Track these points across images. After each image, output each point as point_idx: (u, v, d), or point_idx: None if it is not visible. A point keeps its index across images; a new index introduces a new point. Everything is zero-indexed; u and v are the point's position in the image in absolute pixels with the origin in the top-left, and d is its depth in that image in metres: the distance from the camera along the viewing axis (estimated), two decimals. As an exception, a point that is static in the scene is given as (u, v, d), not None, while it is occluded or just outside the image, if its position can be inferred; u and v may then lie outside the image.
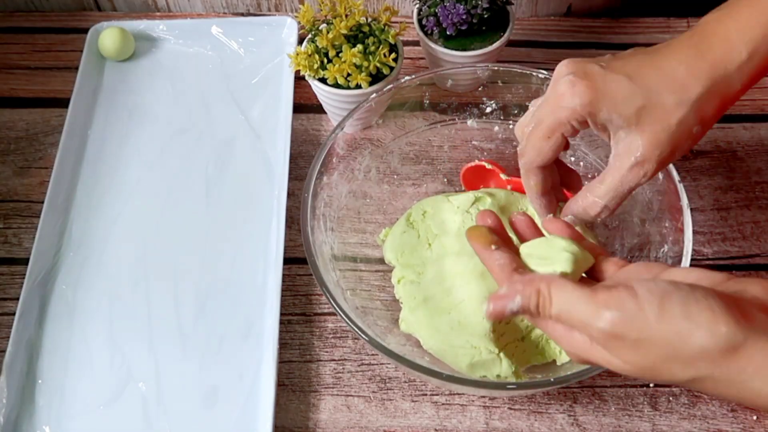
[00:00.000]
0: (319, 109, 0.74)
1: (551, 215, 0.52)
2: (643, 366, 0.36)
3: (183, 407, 0.58)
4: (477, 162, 0.64)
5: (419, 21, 0.71)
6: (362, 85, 0.65)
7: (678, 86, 0.44)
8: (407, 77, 0.62)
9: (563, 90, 0.45)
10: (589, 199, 0.48)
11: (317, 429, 0.58)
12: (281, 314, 0.61)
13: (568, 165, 0.55)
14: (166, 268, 0.65)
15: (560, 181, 0.54)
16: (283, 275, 0.63)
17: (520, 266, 0.43)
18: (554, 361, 0.56)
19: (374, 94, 0.61)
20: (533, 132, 0.48)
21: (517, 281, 0.40)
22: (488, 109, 0.64)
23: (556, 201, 0.53)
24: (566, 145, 0.49)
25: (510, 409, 0.58)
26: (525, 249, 0.44)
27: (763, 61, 0.44)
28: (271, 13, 0.85)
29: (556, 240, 0.44)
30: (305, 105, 0.75)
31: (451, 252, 0.59)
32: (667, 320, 0.35)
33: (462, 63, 0.69)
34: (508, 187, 0.63)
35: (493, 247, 0.44)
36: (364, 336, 0.49)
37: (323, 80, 0.67)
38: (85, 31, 0.79)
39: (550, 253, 0.43)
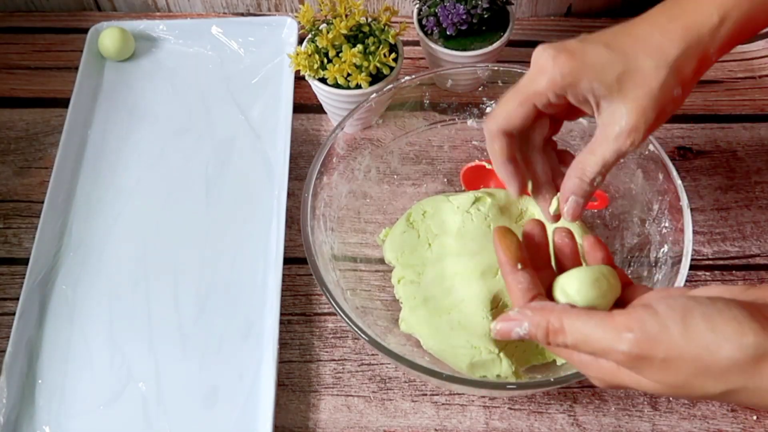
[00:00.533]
0: (319, 109, 0.74)
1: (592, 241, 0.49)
2: (675, 384, 0.36)
3: (183, 407, 0.58)
4: (477, 162, 0.64)
5: (419, 21, 0.71)
6: (362, 85, 0.65)
7: (654, 50, 0.44)
8: (407, 77, 0.62)
9: (544, 62, 0.45)
10: (583, 172, 0.47)
11: (317, 429, 0.58)
12: (281, 314, 0.61)
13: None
14: (166, 268, 0.65)
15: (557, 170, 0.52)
16: (283, 275, 0.63)
17: (540, 293, 0.43)
18: (554, 361, 0.56)
19: (374, 94, 0.61)
20: (507, 96, 0.47)
21: (528, 308, 0.40)
22: (488, 109, 0.64)
23: (522, 174, 0.50)
24: (554, 128, 0.49)
25: (510, 409, 0.58)
26: (562, 280, 0.44)
27: (735, 25, 0.44)
28: (271, 13, 0.85)
29: (591, 271, 0.43)
30: (305, 105, 0.75)
31: (451, 252, 0.59)
32: (693, 335, 0.34)
33: (462, 63, 0.69)
34: None
35: (518, 265, 0.44)
36: (364, 336, 0.49)
37: (323, 80, 0.67)
38: (85, 31, 0.79)
39: (582, 287, 0.42)
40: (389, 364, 0.61)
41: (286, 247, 0.64)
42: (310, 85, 0.69)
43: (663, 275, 0.54)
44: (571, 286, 0.43)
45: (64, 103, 0.74)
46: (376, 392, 0.60)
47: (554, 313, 0.39)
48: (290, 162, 0.69)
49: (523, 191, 0.49)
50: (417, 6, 0.72)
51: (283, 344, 0.62)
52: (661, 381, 0.36)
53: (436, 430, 0.58)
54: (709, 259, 0.66)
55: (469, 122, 0.66)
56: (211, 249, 0.66)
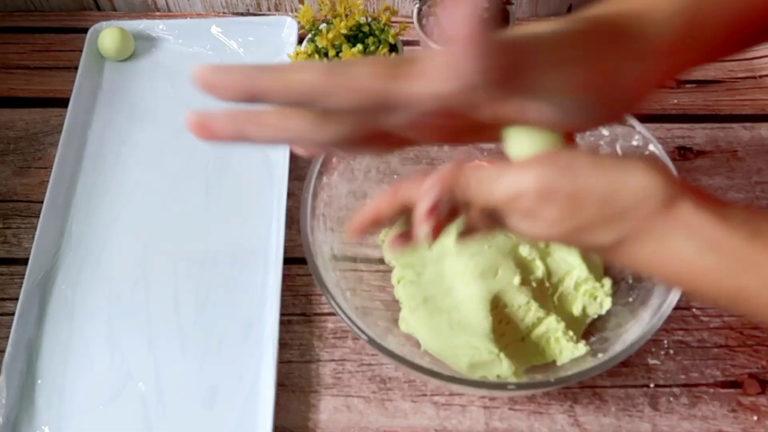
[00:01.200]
0: (319, 109, 0.74)
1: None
2: (570, 227, 0.35)
3: (183, 407, 0.58)
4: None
5: (419, 21, 0.71)
6: (362, 85, 0.65)
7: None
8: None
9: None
10: None
11: (317, 429, 0.58)
12: (281, 314, 0.61)
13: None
14: (166, 268, 0.65)
15: None
16: (283, 275, 0.63)
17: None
18: (554, 361, 0.56)
19: (374, 94, 0.60)
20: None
21: (434, 176, 0.38)
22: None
23: None
24: None
25: (510, 409, 0.58)
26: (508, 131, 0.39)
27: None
28: (271, 12, 0.85)
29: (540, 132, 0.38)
30: (305, 105, 0.75)
31: (451, 252, 0.59)
32: (602, 169, 0.34)
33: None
34: None
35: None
36: (364, 336, 0.49)
37: (323, 80, 0.67)
38: (85, 31, 0.79)
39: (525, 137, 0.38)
40: (389, 364, 0.60)
41: (286, 247, 0.64)
42: (310, 85, 0.69)
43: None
44: (513, 135, 0.38)
45: (63, 103, 0.74)
46: (376, 392, 0.59)
47: (458, 169, 0.37)
48: (290, 162, 0.69)
49: None
50: (417, 6, 0.72)
51: (283, 344, 0.62)
52: (558, 221, 0.35)
53: (436, 430, 0.58)
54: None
55: (469, 122, 0.66)
56: (210, 249, 0.66)
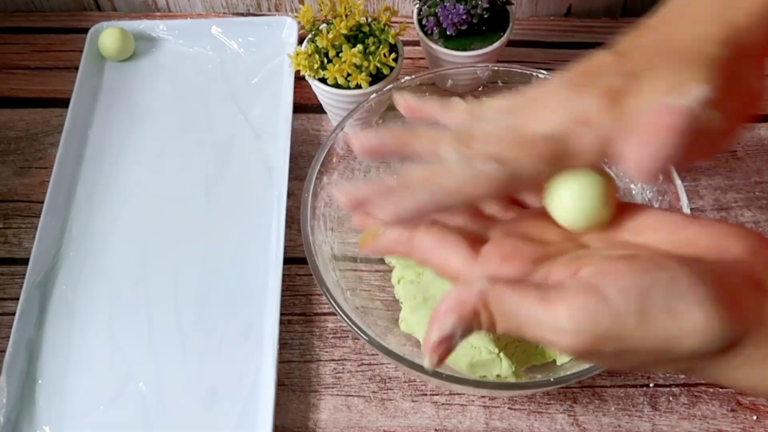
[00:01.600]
0: (319, 109, 0.74)
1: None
2: (620, 368, 0.33)
3: (183, 407, 0.58)
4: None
5: (419, 21, 0.71)
6: (362, 85, 0.65)
7: None
8: (407, 77, 0.62)
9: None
10: None
11: (317, 429, 0.58)
12: (281, 314, 0.61)
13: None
14: (166, 269, 0.65)
15: None
16: (283, 275, 0.63)
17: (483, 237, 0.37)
18: (554, 361, 0.56)
19: (374, 95, 0.61)
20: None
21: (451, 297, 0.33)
22: (488, 109, 0.64)
23: None
24: None
25: (510, 409, 0.58)
26: (555, 181, 0.37)
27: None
28: (271, 13, 0.85)
29: (588, 173, 0.36)
30: (305, 105, 0.75)
31: None
32: (651, 327, 0.30)
33: (462, 63, 0.69)
34: None
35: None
36: (364, 336, 0.49)
37: (323, 80, 0.67)
38: (85, 31, 0.79)
39: (580, 189, 0.36)
40: (389, 363, 0.61)
41: (286, 247, 0.64)
42: (310, 85, 0.69)
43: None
44: (565, 186, 0.36)
45: (64, 103, 0.74)
46: (376, 392, 0.60)
47: (477, 294, 0.32)
48: (290, 162, 0.69)
49: None
50: (417, 6, 0.72)
51: (283, 344, 0.62)
52: (605, 365, 0.33)
53: (436, 430, 0.58)
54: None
55: (469, 122, 0.66)
56: (211, 249, 0.66)
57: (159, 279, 0.65)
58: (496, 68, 0.62)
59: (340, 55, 0.66)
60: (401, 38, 0.71)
